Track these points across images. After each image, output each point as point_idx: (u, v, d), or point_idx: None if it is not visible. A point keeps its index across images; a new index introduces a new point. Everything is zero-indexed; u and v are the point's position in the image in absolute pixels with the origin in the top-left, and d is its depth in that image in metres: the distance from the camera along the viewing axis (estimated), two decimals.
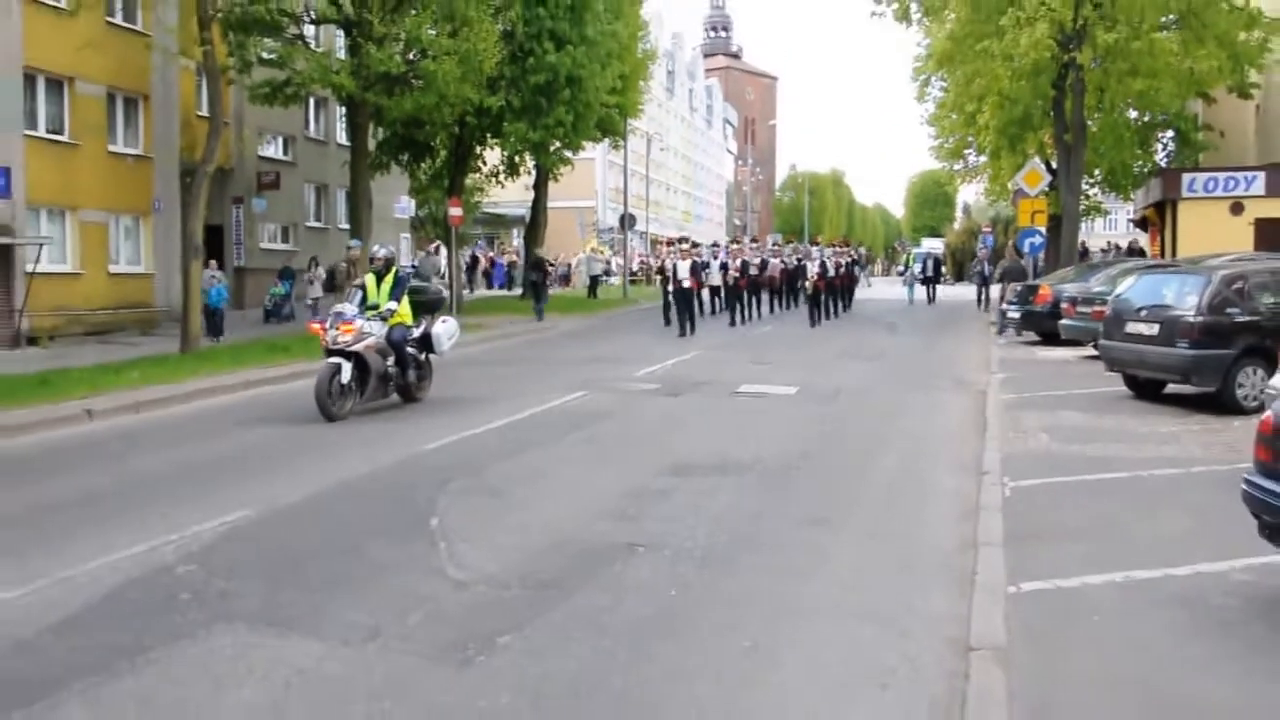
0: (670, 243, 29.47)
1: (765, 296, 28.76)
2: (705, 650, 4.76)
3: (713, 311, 26.53)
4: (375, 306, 11.59)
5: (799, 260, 29.32)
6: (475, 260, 45.68)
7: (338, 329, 11.07)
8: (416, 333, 12.14)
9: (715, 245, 29.66)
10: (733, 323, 24.51)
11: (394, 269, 12.02)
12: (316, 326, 11.56)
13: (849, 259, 31.56)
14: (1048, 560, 6.06)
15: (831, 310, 27.20)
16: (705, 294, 26.03)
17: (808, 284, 25.75)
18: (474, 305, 30.46)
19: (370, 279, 12.01)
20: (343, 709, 4.15)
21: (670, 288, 22.36)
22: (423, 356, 12.29)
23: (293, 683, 4.37)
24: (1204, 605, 5.31)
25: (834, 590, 5.65)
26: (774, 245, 36.23)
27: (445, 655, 4.66)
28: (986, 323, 25.63)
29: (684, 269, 22.03)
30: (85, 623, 5.08)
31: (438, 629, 4.99)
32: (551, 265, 31.63)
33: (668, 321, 22.83)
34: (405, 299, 11.97)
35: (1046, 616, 5.16)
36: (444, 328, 12.47)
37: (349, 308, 11.47)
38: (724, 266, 26.01)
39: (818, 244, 34.16)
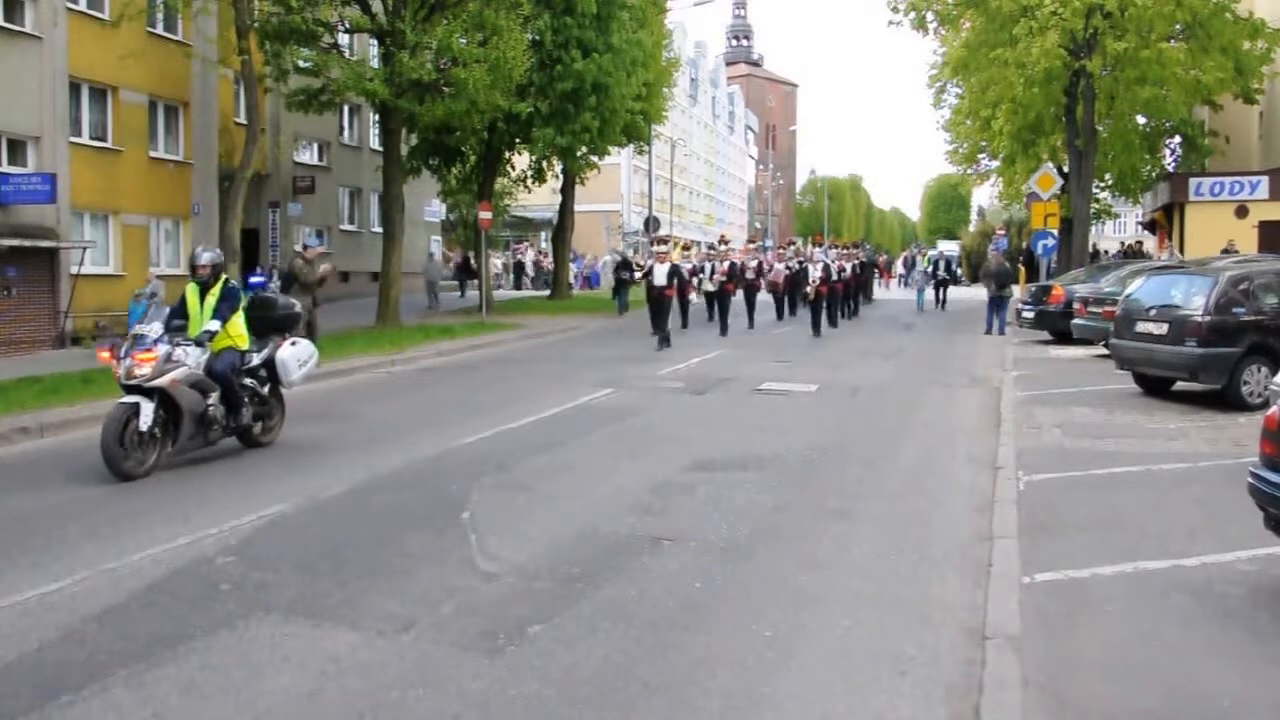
0: (654, 242, 26.76)
1: (770, 300, 27.65)
2: (728, 639, 4.88)
3: (709, 318, 24.83)
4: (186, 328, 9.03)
5: (800, 263, 26.75)
6: (521, 265, 46.03)
7: (133, 358, 8.32)
8: (256, 359, 9.57)
9: (711, 248, 28.25)
10: (724, 330, 22.32)
11: (223, 278, 9.26)
12: (106, 354, 8.63)
13: (857, 261, 29.84)
14: (1060, 551, 6.18)
15: (840, 315, 25.67)
16: (693, 298, 24.74)
17: (809, 290, 23.28)
18: (506, 305, 30.68)
19: (191, 291, 9.17)
20: (377, 696, 4.25)
21: (651, 294, 19.94)
22: (266, 390, 9.73)
23: (328, 671, 4.48)
24: (1211, 595, 5.42)
25: (853, 580, 5.76)
26: (778, 248, 34.57)
27: (477, 644, 4.77)
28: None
29: (660, 274, 19.53)
30: (129, 612, 5.21)
31: (469, 619, 5.10)
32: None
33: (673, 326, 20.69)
34: (240, 317, 9.34)
35: (1059, 606, 5.27)
36: (293, 351, 9.87)
37: (153, 329, 8.59)
38: (714, 271, 24.44)
39: (820, 245, 32.30)
